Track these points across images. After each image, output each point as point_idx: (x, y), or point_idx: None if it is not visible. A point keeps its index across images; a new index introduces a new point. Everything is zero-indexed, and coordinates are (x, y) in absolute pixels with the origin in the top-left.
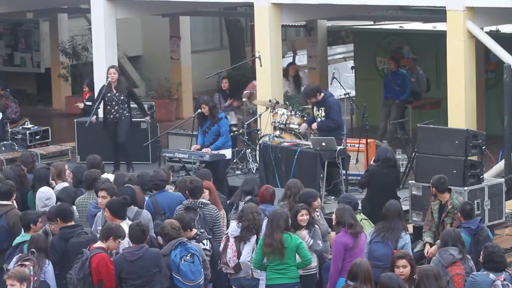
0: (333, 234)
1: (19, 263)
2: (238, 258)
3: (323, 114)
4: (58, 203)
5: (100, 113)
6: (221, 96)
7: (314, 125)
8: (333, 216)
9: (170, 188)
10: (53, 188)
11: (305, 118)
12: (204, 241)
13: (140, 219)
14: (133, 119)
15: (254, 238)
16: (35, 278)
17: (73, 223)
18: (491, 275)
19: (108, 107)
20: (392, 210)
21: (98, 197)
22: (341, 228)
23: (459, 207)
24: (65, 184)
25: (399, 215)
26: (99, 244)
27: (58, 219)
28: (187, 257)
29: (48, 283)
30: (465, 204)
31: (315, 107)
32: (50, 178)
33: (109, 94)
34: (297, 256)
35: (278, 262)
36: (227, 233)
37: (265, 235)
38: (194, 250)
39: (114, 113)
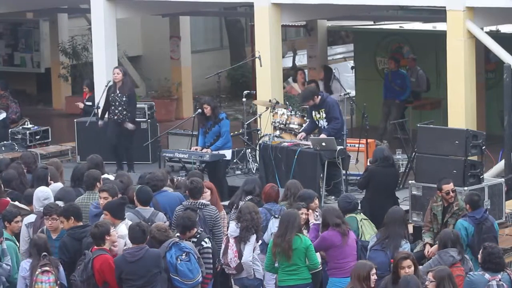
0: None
1: (40, 270)
2: (239, 258)
3: (324, 115)
4: (70, 202)
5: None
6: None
7: (322, 135)
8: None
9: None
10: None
11: (305, 119)
12: (206, 240)
13: (156, 220)
14: (136, 119)
15: (253, 237)
16: (58, 282)
17: (82, 223)
18: (487, 275)
19: (112, 108)
20: (392, 217)
21: (100, 198)
22: (327, 228)
23: (467, 197)
24: (60, 184)
25: (399, 221)
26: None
27: (72, 217)
28: (183, 256)
29: (64, 284)
30: (473, 195)
31: (314, 111)
32: (49, 178)
33: (112, 95)
34: None
35: (287, 264)
36: (227, 234)
37: (276, 235)
38: (189, 248)
39: (118, 113)
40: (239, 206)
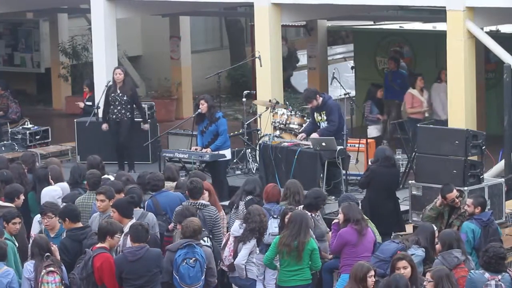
0: (329, 235)
1: (45, 271)
2: (234, 258)
3: (325, 118)
4: (64, 203)
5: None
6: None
7: (315, 135)
8: (339, 215)
9: (171, 188)
10: None
11: (305, 119)
12: (205, 238)
13: (145, 221)
14: (135, 119)
15: (254, 241)
16: (63, 282)
17: (80, 224)
18: (486, 274)
19: (111, 107)
20: (419, 229)
21: (97, 200)
22: (348, 224)
23: (476, 200)
24: (64, 184)
25: (423, 234)
26: (100, 244)
27: (67, 219)
28: (191, 261)
29: (67, 283)
30: (480, 197)
31: (315, 113)
32: (50, 178)
33: (113, 94)
34: None
35: (293, 263)
36: (229, 232)
37: (285, 235)
38: (200, 256)
39: (117, 113)
40: (247, 208)
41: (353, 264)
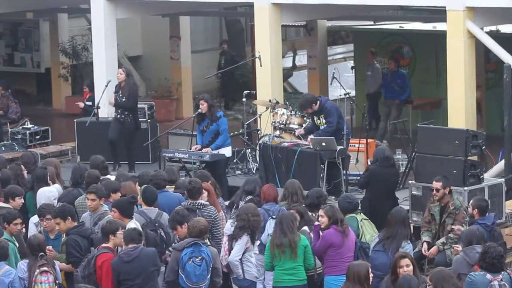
0: None
1: (38, 270)
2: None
3: (324, 121)
4: (60, 203)
5: (102, 113)
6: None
7: (311, 136)
8: (323, 218)
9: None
10: None
11: (305, 119)
12: None
13: (161, 221)
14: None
15: (245, 238)
16: (57, 281)
17: (76, 223)
18: (488, 275)
19: (115, 107)
20: (396, 217)
21: (87, 199)
22: (333, 226)
23: (475, 202)
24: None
25: (403, 222)
26: (105, 244)
27: (69, 217)
28: (197, 259)
29: (60, 283)
30: (481, 201)
31: (314, 117)
32: (48, 178)
33: (115, 95)
34: None
35: (287, 260)
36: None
37: (273, 237)
38: (206, 254)
39: (120, 113)
40: (240, 206)
41: (338, 265)
